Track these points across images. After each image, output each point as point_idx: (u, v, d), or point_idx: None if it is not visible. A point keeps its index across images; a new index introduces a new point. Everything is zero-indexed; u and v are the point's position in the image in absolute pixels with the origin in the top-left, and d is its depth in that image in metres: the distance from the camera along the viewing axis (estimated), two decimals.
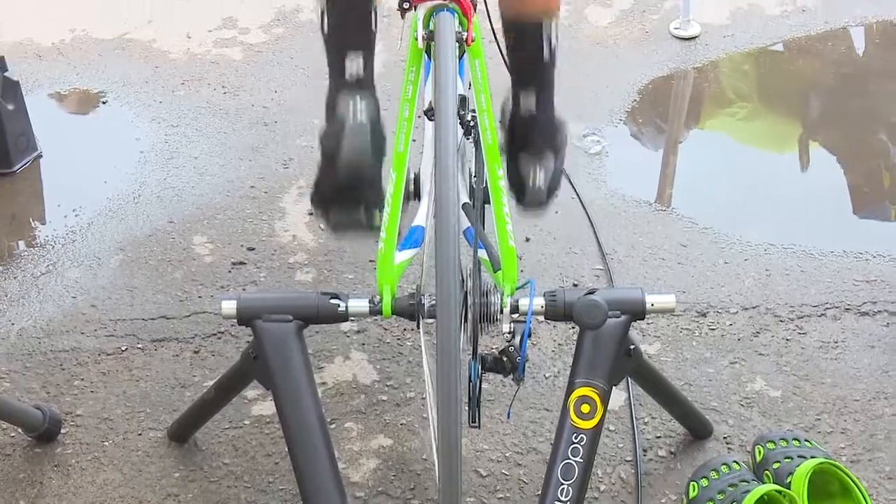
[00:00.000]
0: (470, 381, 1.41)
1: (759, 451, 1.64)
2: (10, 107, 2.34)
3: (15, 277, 2.07)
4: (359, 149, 1.68)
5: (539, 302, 1.47)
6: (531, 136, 1.89)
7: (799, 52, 2.81)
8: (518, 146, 1.89)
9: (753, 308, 1.97)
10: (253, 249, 2.13)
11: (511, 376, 1.42)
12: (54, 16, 2.94)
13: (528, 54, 1.91)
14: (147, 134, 2.51)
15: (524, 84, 1.92)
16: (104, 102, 2.64)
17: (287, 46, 2.83)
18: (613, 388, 1.47)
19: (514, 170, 1.87)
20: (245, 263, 2.10)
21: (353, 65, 1.73)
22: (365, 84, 1.73)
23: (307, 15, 2.91)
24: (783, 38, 2.84)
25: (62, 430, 1.74)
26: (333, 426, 1.74)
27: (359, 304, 1.47)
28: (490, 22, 1.81)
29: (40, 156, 2.42)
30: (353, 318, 1.57)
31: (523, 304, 1.44)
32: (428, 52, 1.65)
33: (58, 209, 2.27)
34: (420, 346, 1.81)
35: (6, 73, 2.34)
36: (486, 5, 1.82)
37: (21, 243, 2.17)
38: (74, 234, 2.19)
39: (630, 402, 1.77)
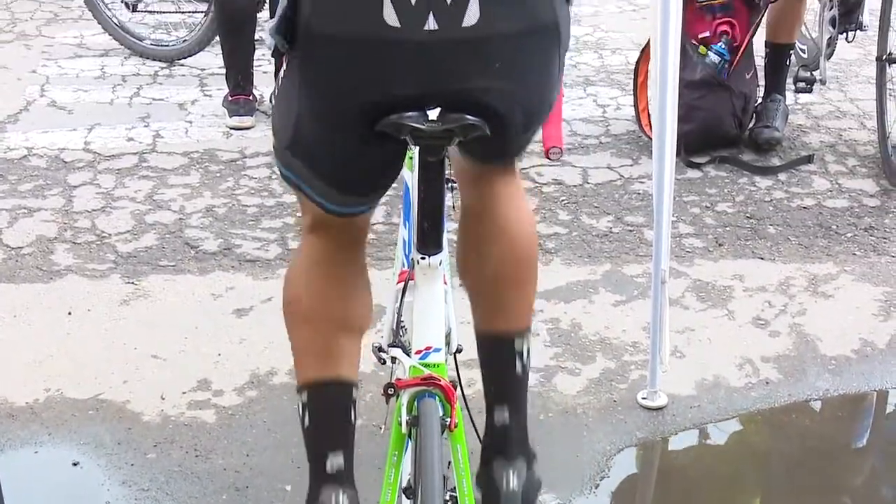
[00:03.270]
0: None
1: None
2: None
3: None
4: None
5: None
6: (506, 447, 1.94)
7: (764, 424, 2.87)
8: (491, 455, 1.93)
9: None
10: None
11: None
12: (28, 374, 2.97)
13: (502, 368, 1.98)
14: (117, 498, 2.48)
15: (498, 399, 1.98)
16: (75, 464, 2.63)
17: (260, 409, 2.85)
18: None
19: (486, 476, 1.90)
20: None
21: (333, 462, 1.76)
22: (345, 479, 1.75)
23: (281, 378, 2.95)
24: (748, 410, 2.90)
25: None
26: None
27: None
28: (465, 401, 1.85)
29: None
30: None
31: None
32: (410, 434, 1.68)
33: None
34: None
35: None
36: (462, 392, 1.87)
37: None
38: None
39: None
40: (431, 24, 1.74)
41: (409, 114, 1.72)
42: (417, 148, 1.80)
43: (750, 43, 4.24)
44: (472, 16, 1.75)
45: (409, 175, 2.33)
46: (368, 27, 1.75)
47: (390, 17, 1.73)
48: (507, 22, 1.77)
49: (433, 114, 1.74)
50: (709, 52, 4.21)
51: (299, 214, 2.19)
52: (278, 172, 2.12)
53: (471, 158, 2.01)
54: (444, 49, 1.76)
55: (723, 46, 4.22)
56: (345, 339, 1.98)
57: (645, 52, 4.36)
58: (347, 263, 2.03)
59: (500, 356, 2.00)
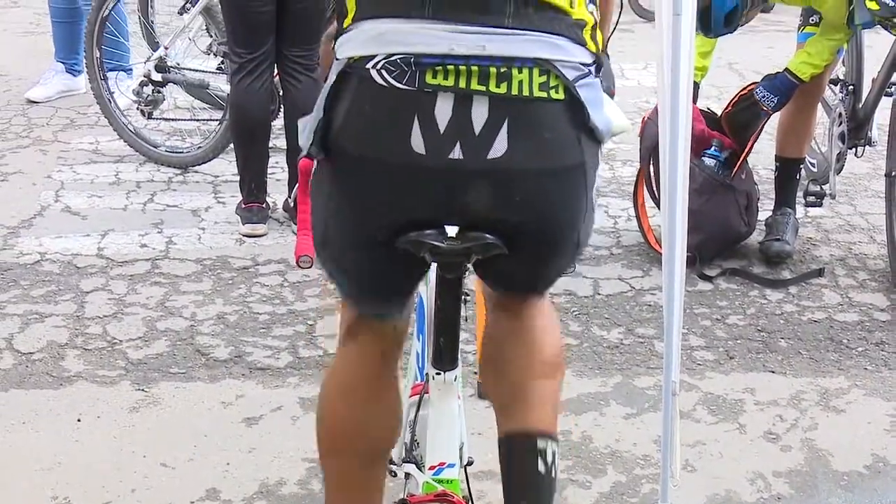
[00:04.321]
0: None
1: None
2: None
3: None
4: None
5: None
6: None
7: None
8: None
9: None
10: None
11: None
12: (36, 482, 2.95)
13: (523, 469, 1.98)
14: None
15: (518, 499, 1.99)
16: None
17: None
18: None
19: None
20: None
21: None
22: None
23: (291, 488, 2.93)
24: None
25: None
26: None
27: None
28: None
29: None
30: None
31: None
32: None
33: None
34: None
35: None
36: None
37: None
38: None
39: None
40: (457, 153, 1.77)
41: (429, 232, 1.74)
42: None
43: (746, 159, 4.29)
44: (498, 148, 1.77)
45: (424, 289, 2.34)
46: (395, 152, 1.79)
47: (417, 144, 1.77)
48: (532, 158, 1.79)
49: (452, 231, 1.76)
50: (703, 156, 4.26)
51: (323, 318, 2.23)
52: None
53: (500, 290, 2.04)
54: (466, 178, 1.78)
55: (716, 150, 4.28)
56: (370, 471, 2.00)
57: (640, 175, 4.41)
58: (379, 378, 2.04)
59: (522, 455, 1.99)
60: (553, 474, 2.01)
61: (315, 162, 1.95)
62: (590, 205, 1.93)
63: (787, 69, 4.12)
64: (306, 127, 1.89)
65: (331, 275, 2.03)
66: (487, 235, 1.77)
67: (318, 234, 1.97)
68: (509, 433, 2.04)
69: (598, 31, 1.94)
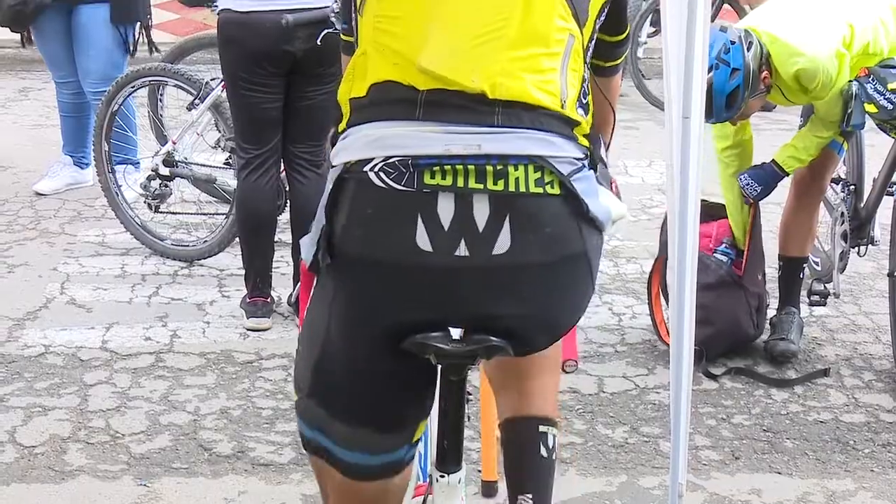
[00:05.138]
0: None
1: None
2: None
3: None
4: None
5: None
6: None
7: None
8: None
9: None
10: None
11: None
12: None
13: (524, 451, 2.00)
14: None
15: (520, 488, 2.00)
16: None
17: None
18: None
19: None
20: None
21: None
22: None
23: None
24: None
25: None
26: None
27: None
28: None
29: None
30: None
31: None
32: None
33: None
34: None
35: None
36: None
37: None
38: None
39: None
40: (462, 250, 1.79)
41: (434, 334, 1.75)
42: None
43: (758, 245, 4.29)
44: (503, 244, 1.79)
45: None
46: (401, 251, 1.80)
47: (423, 242, 1.78)
48: (536, 251, 1.82)
49: (456, 333, 1.77)
50: (715, 253, 4.28)
51: None
52: (300, 441, 2.18)
53: (504, 374, 2.06)
54: (473, 275, 1.80)
55: (727, 248, 4.30)
56: None
57: (656, 265, 4.42)
58: None
59: (524, 437, 2.05)
60: (553, 458, 2.08)
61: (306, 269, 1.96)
62: (593, 288, 1.96)
63: (773, 160, 4.15)
64: (310, 240, 1.91)
65: (321, 434, 2.00)
66: (493, 338, 1.78)
67: (314, 348, 1.96)
68: (511, 418, 2.12)
69: (590, 133, 1.97)
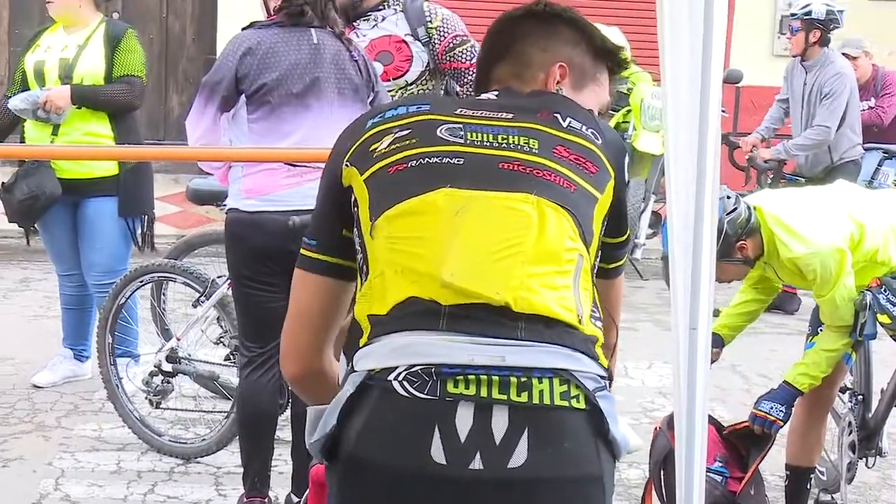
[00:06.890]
0: None
1: None
2: None
3: None
4: None
5: None
6: None
7: None
8: None
9: None
10: None
11: None
12: None
13: None
14: None
15: None
16: None
17: None
18: None
19: None
20: None
21: None
22: None
23: None
24: None
25: None
26: None
27: None
28: None
29: None
30: None
31: None
32: None
33: None
34: None
35: None
36: None
37: None
38: None
39: None
40: (477, 463, 1.78)
41: None
42: None
43: (757, 470, 4.21)
44: (518, 457, 1.79)
45: None
46: (415, 462, 1.79)
47: (438, 454, 1.78)
48: (551, 467, 1.81)
49: None
50: (709, 471, 4.20)
51: None
52: None
53: None
54: (486, 490, 1.78)
55: (720, 466, 4.21)
56: None
57: (648, 486, 4.32)
58: None
59: None
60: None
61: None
62: None
63: (784, 381, 4.11)
64: (315, 434, 1.90)
65: None
66: None
67: None
68: None
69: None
